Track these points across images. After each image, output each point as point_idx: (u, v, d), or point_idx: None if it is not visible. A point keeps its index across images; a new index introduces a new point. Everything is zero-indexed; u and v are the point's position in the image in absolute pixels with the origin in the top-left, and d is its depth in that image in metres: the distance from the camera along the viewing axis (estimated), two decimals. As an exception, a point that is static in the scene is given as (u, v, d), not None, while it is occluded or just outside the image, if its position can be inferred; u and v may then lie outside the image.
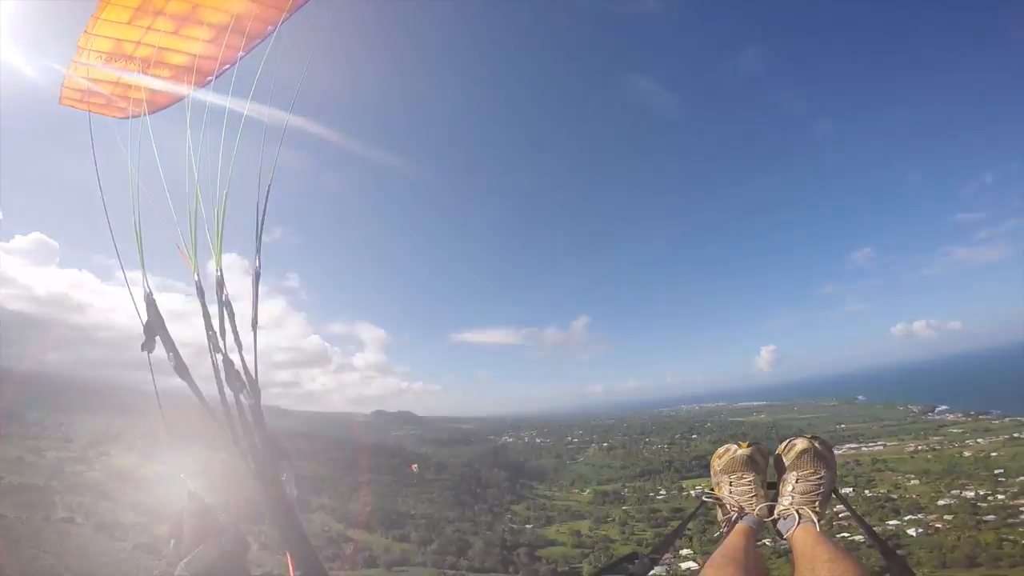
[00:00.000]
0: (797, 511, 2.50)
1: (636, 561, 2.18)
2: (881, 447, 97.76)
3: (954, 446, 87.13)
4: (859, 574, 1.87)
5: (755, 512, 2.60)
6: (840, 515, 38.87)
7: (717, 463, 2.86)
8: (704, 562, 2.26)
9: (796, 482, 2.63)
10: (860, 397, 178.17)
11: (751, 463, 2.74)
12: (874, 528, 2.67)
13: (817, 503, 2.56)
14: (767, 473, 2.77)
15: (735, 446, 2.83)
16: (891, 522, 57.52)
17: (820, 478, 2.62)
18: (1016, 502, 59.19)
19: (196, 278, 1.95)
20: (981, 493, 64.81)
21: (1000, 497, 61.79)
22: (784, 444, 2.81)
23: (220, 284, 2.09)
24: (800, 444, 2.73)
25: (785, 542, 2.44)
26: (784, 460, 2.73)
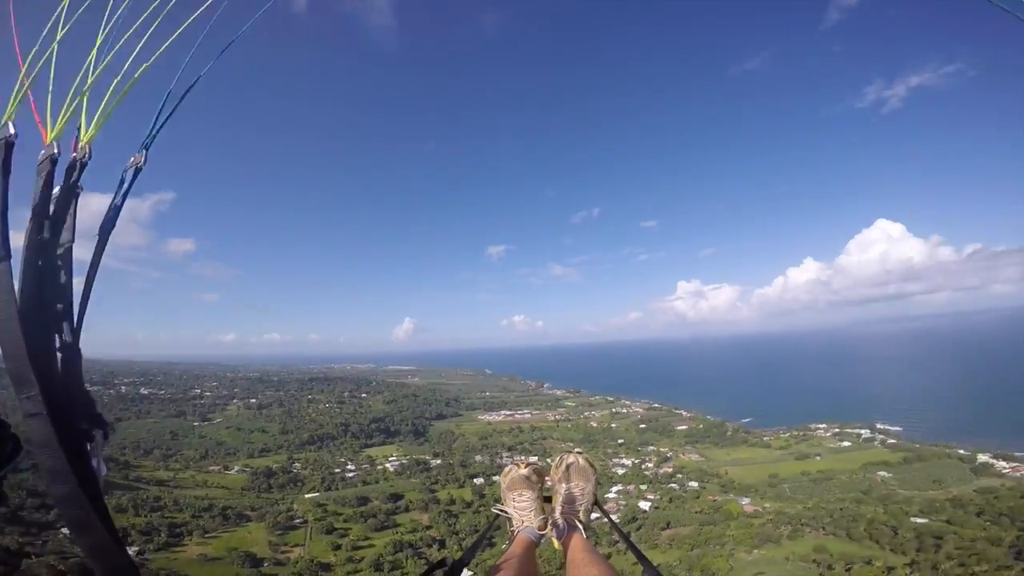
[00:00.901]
0: (566, 520, 2.87)
1: (446, 567, 2.27)
2: (529, 415, 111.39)
3: (581, 417, 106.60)
4: (607, 574, 2.26)
5: (534, 525, 2.88)
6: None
7: (503, 481, 3.12)
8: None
9: (565, 493, 3.00)
10: (487, 370, 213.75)
11: (527, 481, 3.02)
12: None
13: (581, 512, 2.93)
14: (543, 488, 3.07)
15: (514, 466, 3.11)
16: (613, 489, 63.46)
17: (582, 490, 3.01)
18: (663, 469, 71.37)
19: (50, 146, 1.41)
20: (637, 462, 75.23)
21: (649, 465, 73.68)
22: (557, 459, 3.16)
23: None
24: (568, 459, 3.11)
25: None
26: (557, 473, 3.09)
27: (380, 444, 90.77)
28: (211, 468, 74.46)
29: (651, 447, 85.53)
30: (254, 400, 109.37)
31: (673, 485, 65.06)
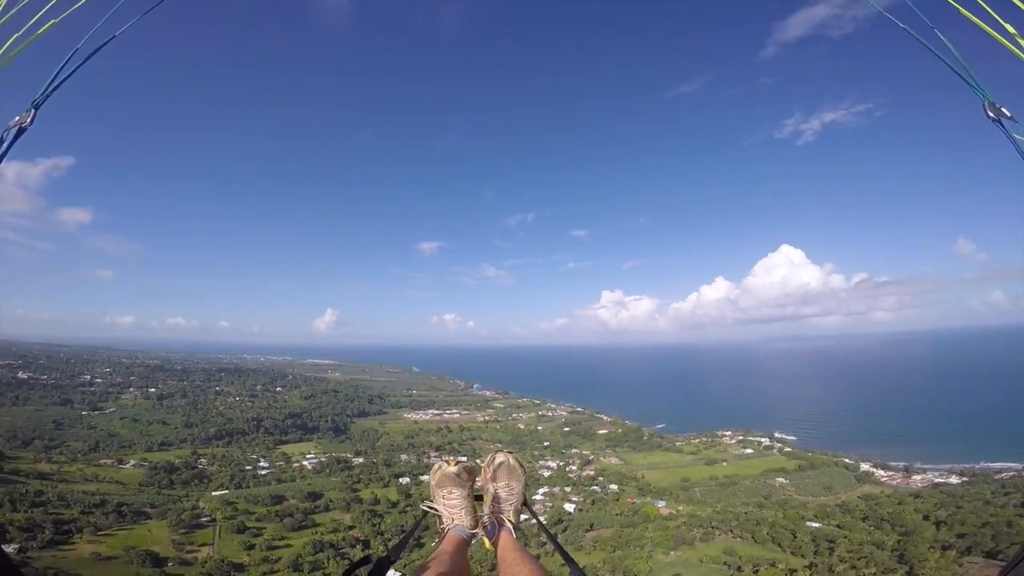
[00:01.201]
0: (496, 520, 2.88)
1: (371, 564, 2.20)
2: (458, 415, 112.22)
3: (510, 419, 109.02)
4: (537, 574, 2.25)
5: (464, 523, 2.90)
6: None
7: (432, 479, 3.09)
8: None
9: (495, 493, 3.00)
10: (415, 368, 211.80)
11: (457, 479, 2.99)
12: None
13: (511, 512, 2.96)
14: (473, 487, 3.07)
15: (444, 463, 3.09)
16: (540, 491, 64.77)
17: (512, 490, 3.02)
18: (585, 472, 73.55)
19: None
20: (561, 464, 77.31)
21: (573, 468, 75.92)
22: (488, 458, 3.16)
23: None
24: (499, 458, 3.11)
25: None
26: (487, 472, 3.09)
27: (297, 441, 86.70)
28: (103, 461, 68.00)
29: (574, 450, 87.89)
30: (154, 389, 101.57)
31: (595, 488, 67.22)
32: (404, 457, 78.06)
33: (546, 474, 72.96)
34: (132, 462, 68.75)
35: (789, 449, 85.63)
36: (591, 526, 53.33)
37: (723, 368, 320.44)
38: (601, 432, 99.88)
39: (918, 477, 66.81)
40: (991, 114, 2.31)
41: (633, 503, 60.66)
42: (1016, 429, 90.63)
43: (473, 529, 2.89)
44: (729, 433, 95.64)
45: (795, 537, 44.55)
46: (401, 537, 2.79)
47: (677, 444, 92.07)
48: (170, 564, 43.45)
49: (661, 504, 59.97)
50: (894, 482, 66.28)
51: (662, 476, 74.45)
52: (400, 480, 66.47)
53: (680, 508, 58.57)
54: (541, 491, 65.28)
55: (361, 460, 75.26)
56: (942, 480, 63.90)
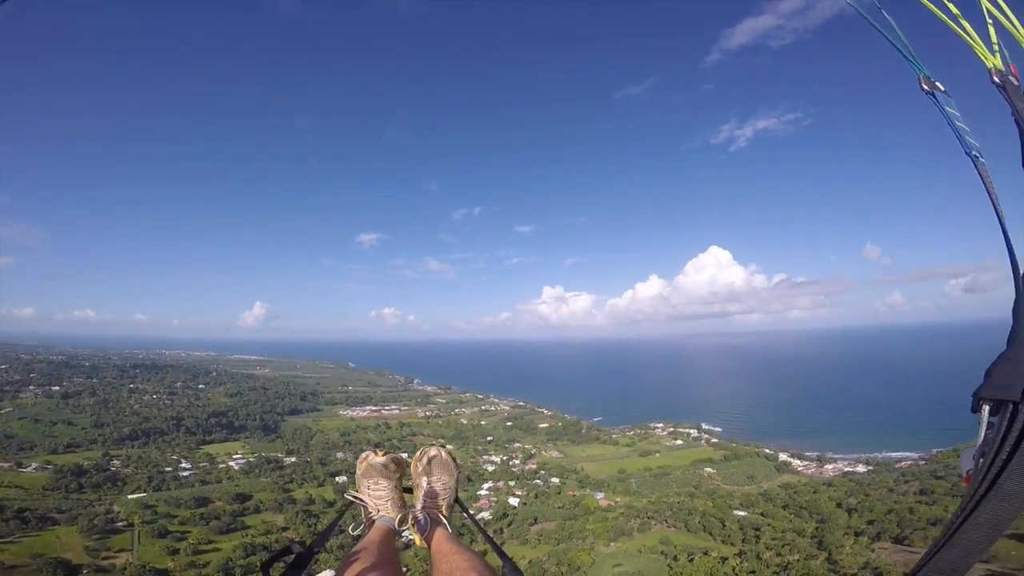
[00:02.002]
0: (428, 515, 2.78)
1: (293, 555, 2.12)
2: (397, 411, 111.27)
3: (452, 414, 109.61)
4: (475, 563, 2.17)
5: (391, 515, 2.80)
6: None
7: (359, 468, 2.99)
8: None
9: (427, 487, 2.94)
10: (351, 363, 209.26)
11: (385, 470, 2.90)
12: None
13: (444, 507, 2.89)
14: (402, 479, 3.00)
15: (372, 453, 2.98)
16: (484, 487, 64.98)
17: (445, 484, 2.96)
18: (528, 466, 74.47)
19: None
20: (505, 458, 77.94)
21: (516, 462, 76.74)
22: (419, 452, 3.09)
23: None
24: (431, 452, 3.04)
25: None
26: (418, 466, 3.00)
27: (222, 440, 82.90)
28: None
29: (517, 444, 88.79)
30: (57, 387, 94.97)
31: (538, 481, 68.14)
32: (340, 455, 75.69)
33: (490, 468, 73.28)
34: (34, 465, 63.31)
35: (715, 440, 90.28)
36: (535, 519, 53.85)
37: (655, 362, 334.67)
38: (542, 426, 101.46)
39: (830, 466, 72.20)
40: (925, 87, 2.50)
41: (574, 495, 61.99)
42: (910, 421, 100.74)
43: (401, 524, 2.75)
44: (661, 425, 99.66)
45: (724, 526, 47.04)
46: (324, 528, 2.58)
47: (613, 436, 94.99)
48: (85, 571, 40.56)
49: (600, 496, 61.72)
50: (809, 471, 71.27)
51: (600, 468, 76.44)
52: (336, 479, 64.29)
53: (618, 499, 60.50)
54: (486, 486, 65.39)
55: (293, 459, 72.42)
56: (851, 469, 69.42)
